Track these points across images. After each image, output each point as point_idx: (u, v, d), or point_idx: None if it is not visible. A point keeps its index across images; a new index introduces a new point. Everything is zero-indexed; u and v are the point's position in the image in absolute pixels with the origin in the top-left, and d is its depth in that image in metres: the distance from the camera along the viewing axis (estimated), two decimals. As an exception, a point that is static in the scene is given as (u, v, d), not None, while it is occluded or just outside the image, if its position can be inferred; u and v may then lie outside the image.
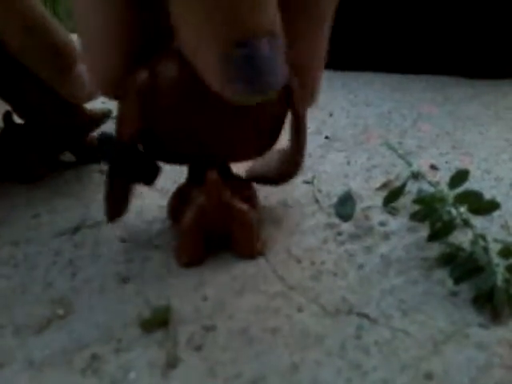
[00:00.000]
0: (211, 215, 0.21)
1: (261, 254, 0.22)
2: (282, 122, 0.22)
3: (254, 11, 0.15)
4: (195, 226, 0.21)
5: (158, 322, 0.19)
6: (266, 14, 0.16)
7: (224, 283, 0.21)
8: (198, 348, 0.18)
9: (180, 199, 0.23)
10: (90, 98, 0.27)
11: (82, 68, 0.26)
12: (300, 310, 0.19)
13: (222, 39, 0.16)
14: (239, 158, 0.22)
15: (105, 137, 0.21)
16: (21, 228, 0.24)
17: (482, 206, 0.21)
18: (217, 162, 0.22)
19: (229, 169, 0.23)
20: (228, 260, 0.22)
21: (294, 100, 0.21)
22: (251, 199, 0.24)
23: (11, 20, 0.24)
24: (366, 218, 0.25)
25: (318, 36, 0.21)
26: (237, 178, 0.23)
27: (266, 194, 0.27)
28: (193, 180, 0.23)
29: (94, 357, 0.17)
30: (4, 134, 0.28)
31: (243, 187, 0.23)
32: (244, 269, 0.22)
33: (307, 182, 0.29)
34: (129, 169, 0.21)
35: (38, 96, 0.27)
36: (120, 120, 0.20)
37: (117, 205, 0.21)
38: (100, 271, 0.21)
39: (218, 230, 0.22)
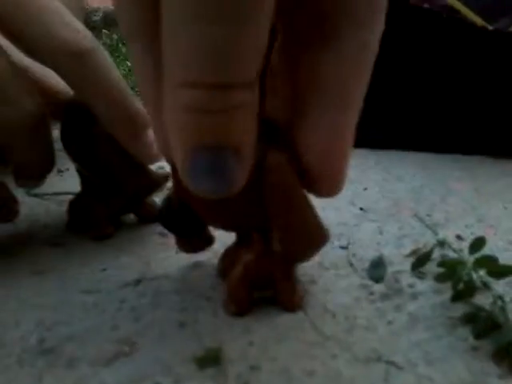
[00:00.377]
0: (257, 271, 0.24)
1: (299, 307, 0.25)
2: None
3: (220, 125, 0.16)
4: (242, 281, 0.25)
5: (211, 360, 0.22)
6: (234, 130, 0.16)
7: (267, 331, 0.24)
8: (245, 384, 0.20)
9: (229, 259, 0.26)
10: (157, 159, 0.30)
11: (151, 132, 0.29)
12: (334, 357, 0.22)
13: (187, 141, 0.17)
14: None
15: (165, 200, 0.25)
16: (91, 279, 0.28)
17: (499, 269, 0.24)
18: (255, 228, 0.25)
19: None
20: (271, 312, 0.25)
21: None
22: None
23: (97, 93, 0.27)
24: (396, 280, 0.28)
25: (341, 124, 0.20)
26: None
27: (306, 256, 0.30)
28: (240, 242, 0.26)
29: (157, 386, 0.20)
30: (79, 192, 0.33)
31: None
32: (285, 320, 0.24)
33: (343, 247, 0.32)
34: (174, 227, 0.25)
35: (107, 153, 0.30)
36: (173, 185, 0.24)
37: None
38: (160, 317, 0.25)
39: (263, 285, 0.25)
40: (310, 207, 0.23)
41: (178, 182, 0.21)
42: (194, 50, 0.15)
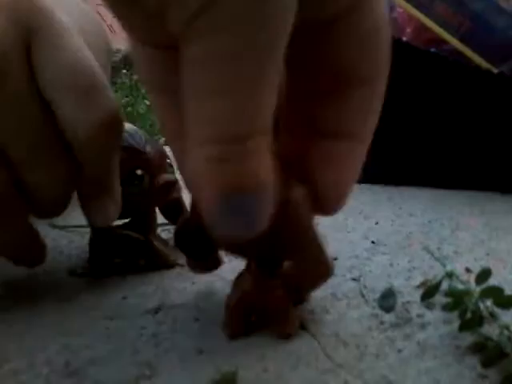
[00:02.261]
0: (252, 299, 0.26)
1: (289, 336, 0.26)
2: None
3: (243, 170, 0.18)
4: (238, 307, 0.26)
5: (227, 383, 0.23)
6: (256, 173, 0.18)
7: (282, 358, 0.25)
8: (260, 407, 0.21)
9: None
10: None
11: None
12: (346, 383, 0.23)
13: (212, 189, 0.18)
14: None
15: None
16: (112, 307, 0.29)
17: (506, 300, 0.25)
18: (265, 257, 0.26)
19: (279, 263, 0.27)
20: (285, 341, 0.26)
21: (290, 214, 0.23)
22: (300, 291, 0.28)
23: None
24: (406, 310, 0.29)
25: (348, 159, 0.23)
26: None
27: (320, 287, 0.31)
28: (247, 269, 0.27)
29: (176, 408, 0.21)
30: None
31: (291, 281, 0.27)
32: (299, 347, 0.25)
33: (354, 279, 0.33)
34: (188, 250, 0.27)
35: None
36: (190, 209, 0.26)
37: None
38: (178, 343, 0.26)
39: (258, 311, 0.26)
40: (321, 240, 0.25)
41: (196, 210, 0.23)
42: (216, 113, 0.17)
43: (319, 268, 0.26)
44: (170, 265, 0.34)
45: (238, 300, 0.26)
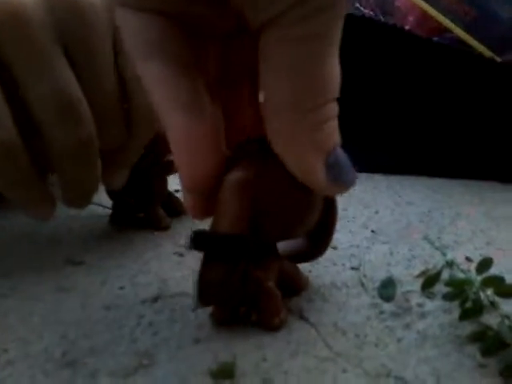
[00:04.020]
0: (239, 287, 0.25)
1: (279, 327, 0.25)
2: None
3: (332, 135, 0.22)
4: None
5: (225, 373, 0.22)
6: (335, 133, 0.22)
7: (280, 347, 0.24)
8: (259, 396, 0.21)
9: None
10: None
11: None
12: (345, 372, 0.23)
13: (319, 153, 0.21)
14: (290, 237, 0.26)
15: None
16: (110, 296, 0.29)
17: (506, 289, 0.25)
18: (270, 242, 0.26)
19: (272, 251, 0.27)
20: (284, 329, 0.26)
21: None
22: (294, 277, 0.28)
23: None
24: (406, 300, 0.29)
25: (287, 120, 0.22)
26: (284, 261, 0.27)
27: (318, 275, 0.31)
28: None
29: (174, 397, 0.21)
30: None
31: (288, 270, 0.28)
32: (298, 336, 0.25)
33: (354, 268, 0.32)
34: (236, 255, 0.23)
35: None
36: (217, 216, 0.23)
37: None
38: (176, 332, 0.26)
39: (247, 301, 0.26)
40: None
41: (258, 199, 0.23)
42: (322, 82, 0.20)
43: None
44: (162, 227, 0.39)
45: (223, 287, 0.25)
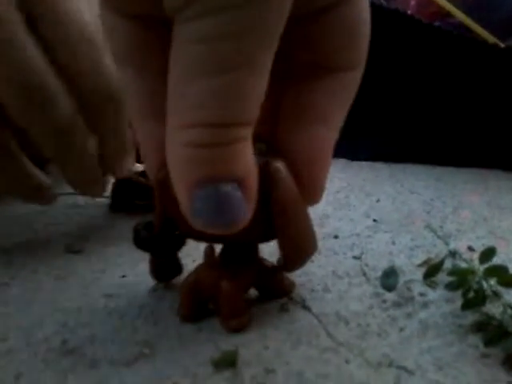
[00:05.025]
0: (200, 285, 0.25)
1: (237, 330, 0.24)
2: None
3: (223, 158, 0.17)
4: (187, 291, 0.26)
5: (227, 362, 0.22)
6: (237, 162, 0.18)
7: (282, 336, 0.24)
8: (260, 386, 0.21)
9: None
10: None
11: None
12: (347, 361, 0.23)
13: (188, 178, 0.18)
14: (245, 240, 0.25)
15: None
16: (111, 285, 0.29)
17: (509, 279, 0.24)
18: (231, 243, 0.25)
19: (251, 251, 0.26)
20: (286, 318, 0.26)
21: (273, 195, 0.22)
22: (276, 285, 0.27)
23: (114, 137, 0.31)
24: (408, 289, 0.28)
25: (321, 134, 0.23)
26: (262, 263, 0.27)
27: (320, 264, 0.31)
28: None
29: (175, 386, 0.21)
30: None
31: (266, 272, 0.27)
32: (300, 326, 0.25)
33: (356, 258, 0.32)
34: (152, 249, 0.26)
35: None
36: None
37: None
38: (177, 321, 0.25)
39: (207, 299, 0.26)
40: (308, 215, 0.24)
41: (165, 201, 0.23)
42: (200, 96, 0.17)
43: (310, 244, 0.25)
44: None
45: (189, 284, 0.26)
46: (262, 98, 0.18)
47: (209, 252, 0.25)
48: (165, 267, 0.28)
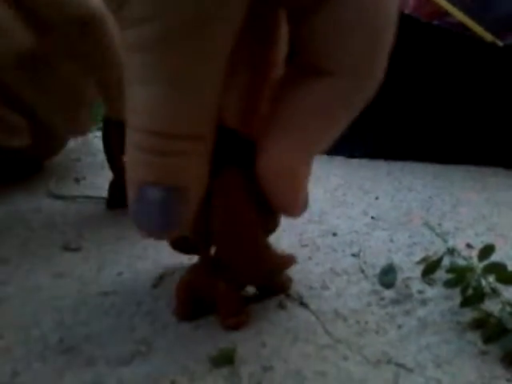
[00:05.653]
0: (197, 285, 0.25)
1: (235, 328, 0.24)
2: None
3: (169, 167, 0.18)
4: (182, 291, 0.25)
5: (225, 360, 0.22)
6: (182, 173, 0.18)
7: (280, 334, 0.24)
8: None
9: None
10: None
11: None
12: (345, 359, 0.23)
13: (137, 176, 0.18)
14: None
15: None
16: (108, 282, 0.29)
17: (508, 276, 0.24)
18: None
19: None
20: (283, 315, 0.26)
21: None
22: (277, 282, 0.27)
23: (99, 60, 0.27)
24: (406, 286, 0.28)
25: (290, 150, 0.20)
26: None
27: (318, 262, 0.31)
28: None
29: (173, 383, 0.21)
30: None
31: None
32: (297, 323, 0.25)
33: (354, 255, 0.32)
34: None
35: None
36: None
37: None
38: (175, 319, 0.25)
39: (205, 299, 0.25)
40: (259, 233, 0.24)
41: None
42: (142, 105, 0.17)
43: (259, 262, 0.24)
44: None
45: (184, 284, 0.25)
46: (209, 115, 0.17)
47: (205, 255, 0.25)
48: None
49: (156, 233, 0.19)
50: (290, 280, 0.28)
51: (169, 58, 0.16)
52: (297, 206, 0.22)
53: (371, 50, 0.19)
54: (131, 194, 0.19)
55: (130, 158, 0.18)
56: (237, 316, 0.25)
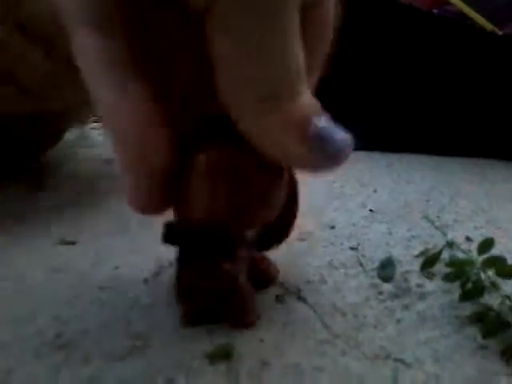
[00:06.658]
0: (206, 286, 0.23)
1: (253, 325, 0.24)
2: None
3: (303, 108, 0.19)
4: (186, 294, 0.24)
5: (222, 355, 0.22)
6: (312, 104, 0.19)
7: (278, 329, 0.24)
8: (256, 379, 0.21)
9: None
10: None
11: None
12: (343, 354, 0.22)
13: (292, 138, 0.19)
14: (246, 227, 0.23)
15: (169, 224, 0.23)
16: (104, 277, 0.29)
17: (508, 270, 0.24)
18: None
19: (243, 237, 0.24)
20: (281, 310, 0.25)
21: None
22: (269, 275, 0.27)
23: None
24: (405, 280, 0.28)
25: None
26: (255, 254, 0.26)
27: (316, 255, 0.30)
28: None
29: (169, 380, 0.21)
30: None
31: (259, 263, 0.26)
32: (295, 318, 0.25)
33: (352, 248, 0.32)
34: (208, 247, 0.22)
35: None
36: (189, 204, 0.21)
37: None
38: (172, 314, 0.25)
39: (214, 299, 0.24)
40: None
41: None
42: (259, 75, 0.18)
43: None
44: None
45: (187, 287, 0.23)
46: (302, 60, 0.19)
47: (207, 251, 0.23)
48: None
49: (341, 156, 0.19)
50: (277, 270, 0.27)
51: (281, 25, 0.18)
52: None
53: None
54: (304, 133, 0.19)
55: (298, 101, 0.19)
56: (255, 313, 0.24)
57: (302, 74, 0.19)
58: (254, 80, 0.18)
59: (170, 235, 0.23)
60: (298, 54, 0.18)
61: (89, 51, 0.19)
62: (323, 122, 0.19)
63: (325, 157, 0.19)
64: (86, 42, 0.19)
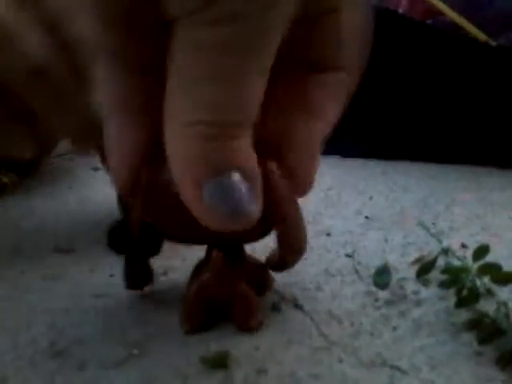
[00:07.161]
0: (213, 291, 0.24)
1: (256, 330, 0.24)
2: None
3: (224, 150, 0.18)
4: (196, 300, 0.24)
5: (218, 363, 0.22)
6: (238, 154, 0.18)
7: (274, 336, 0.24)
8: (252, 387, 0.21)
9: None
10: None
11: None
12: (340, 361, 0.22)
13: (195, 172, 0.18)
14: (241, 241, 0.25)
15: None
16: (100, 284, 0.29)
17: (503, 276, 0.24)
18: (221, 244, 0.24)
19: (240, 252, 0.25)
20: (277, 317, 0.25)
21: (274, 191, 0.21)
22: (264, 282, 0.27)
23: None
24: (401, 287, 0.28)
25: (310, 124, 0.22)
26: (251, 261, 0.26)
27: (312, 262, 0.30)
28: (206, 258, 0.25)
29: (165, 388, 0.21)
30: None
31: (256, 270, 0.26)
32: (291, 325, 0.25)
33: (348, 256, 0.32)
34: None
35: None
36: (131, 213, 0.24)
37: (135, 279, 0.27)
38: (168, 322, 0.25)
39: (219, 305, 0.25)
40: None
41: (144, 204, 0.22)
42: (201, 101, 0.17)
43: (300, 238, 0.24)
44: None
45: (197, 293, 0.24)
46: (258, 105, 0.18)
47: (218, 257, 0.24)
48: (138, 274, 0.27)
49: (235, 220, 0.18)
50: (272, 278, 0.27)
51: (244, 57, 0.17)
52: (312, 183, 0.24)
53: (357, 50, 0.23)
54: (195, 187, 0.18)
55: (189, 151, 0.18)
56: (258, 316, 0.25)
57: (247, 118, 0.18)
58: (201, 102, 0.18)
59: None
60: (254, 94, 0.18)
61: None
62: (236, 176, 0.18)
63: (219, 211, 0.18)
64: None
